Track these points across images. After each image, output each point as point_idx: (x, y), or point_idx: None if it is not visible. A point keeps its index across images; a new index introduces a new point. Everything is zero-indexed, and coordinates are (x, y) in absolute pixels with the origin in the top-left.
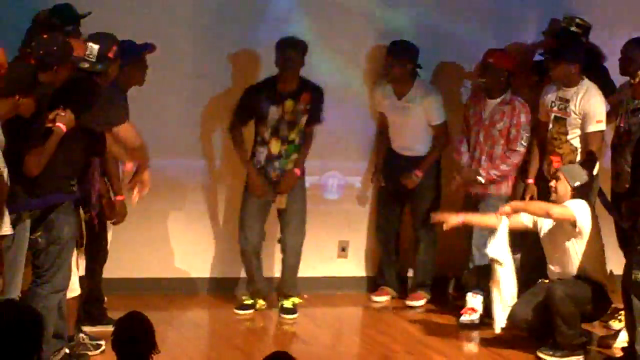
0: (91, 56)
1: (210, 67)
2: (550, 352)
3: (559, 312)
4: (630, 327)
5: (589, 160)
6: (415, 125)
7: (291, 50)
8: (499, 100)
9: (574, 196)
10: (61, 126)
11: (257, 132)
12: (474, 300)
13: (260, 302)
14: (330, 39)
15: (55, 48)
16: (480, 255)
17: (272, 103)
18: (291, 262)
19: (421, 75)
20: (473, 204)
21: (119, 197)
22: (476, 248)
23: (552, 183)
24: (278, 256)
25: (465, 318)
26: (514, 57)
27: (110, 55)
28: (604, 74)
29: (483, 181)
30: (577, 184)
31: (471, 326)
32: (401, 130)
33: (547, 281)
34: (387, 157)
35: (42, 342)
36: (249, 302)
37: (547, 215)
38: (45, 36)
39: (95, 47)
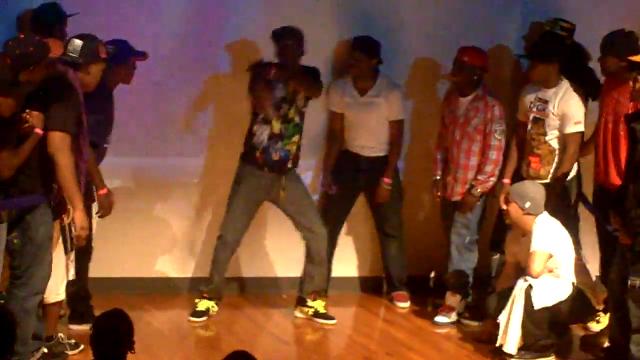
0: (73, 52)
1: (192, 65)
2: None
3: (526, 310)
4: (620, 329)
5: (564, 165)
6: (377, 122)
7: (289, 38)
8: (471, 97)
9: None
10: (39, 132)
11: (257, 111)
12: (452, 299)
13: (213, 308)
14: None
15: (31, 48)
16: (459, 256)
17: (279, 81)
18: (319, 248)
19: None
20: (452, 208)
21: (102, 191)
22: (456, 249)
23: (504, 206)
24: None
25: (440, 319)
26: (484, 53)
27: (102, 55)
28: (589, 74)
29: (479, 195)
30: (527, 204)
31: (447, 325)
32: (363, 128)
33: (524, 279)
34: (342, 160)
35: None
36: (203, 308)
37: (534, 277)
38: (21, 36)
39: (78, 42)
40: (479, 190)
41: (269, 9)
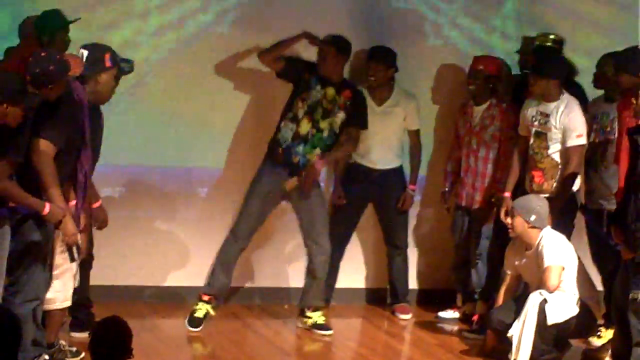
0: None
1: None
2: None
3: (538, 325)
4: (621, 343)
5: (567, 178)
6: (393, 133)
7: (329, 43)
8: (485, 105)
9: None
10: None
11: (290, 107)
12: (459, 298)
13: (211, 312)
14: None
15: (51, 67)
16: (484, 267)
17: (319, 83)
18: (322, 262)
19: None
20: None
21: (96, 204)
22: (482, 260)
23: (508, 220)
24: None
25: (443, 313)
26: (498, 61)
27: (107, 64)
28: (578, 89)
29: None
30: (532, 218)
31: (451, 323)
32: (378, 138)
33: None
34: (352, 171)
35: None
36: (201, 314)
37: (551, 291)
38: (43, 54)
39: (84, 52)
40: (506, 195)
41: (284, 17)
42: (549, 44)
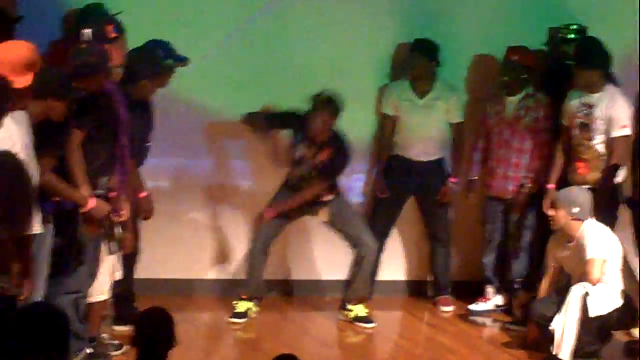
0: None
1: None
2: None
3: (581, 317)
4: None
5: (611, 170)
6: (436, 126)
7: (322, 108)
8: (520, 95)
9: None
10: None
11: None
12: (490, 291)
13: (253, 309)
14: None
15: (92, 58)
16: (525, 256)
17: (302, 142)
18: (368, 261)
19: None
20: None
21: (142, 194)
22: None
23: (551, 212)
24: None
25: (474, 306)
26: (532, 52)
27: (110, 35)
28: (613, 79)
29: (526, 190)
30: (575, 210)
31: (483, 315)
32: (420, 132)
33: (582, 286)
34: (393, 164)
35: (69, 342)
36: (242, 309)
37: (593, 284)
38: (83, 45)
39: (87, 31)
40: (527, 184)
41: (324, 10)
42: (571, 35)
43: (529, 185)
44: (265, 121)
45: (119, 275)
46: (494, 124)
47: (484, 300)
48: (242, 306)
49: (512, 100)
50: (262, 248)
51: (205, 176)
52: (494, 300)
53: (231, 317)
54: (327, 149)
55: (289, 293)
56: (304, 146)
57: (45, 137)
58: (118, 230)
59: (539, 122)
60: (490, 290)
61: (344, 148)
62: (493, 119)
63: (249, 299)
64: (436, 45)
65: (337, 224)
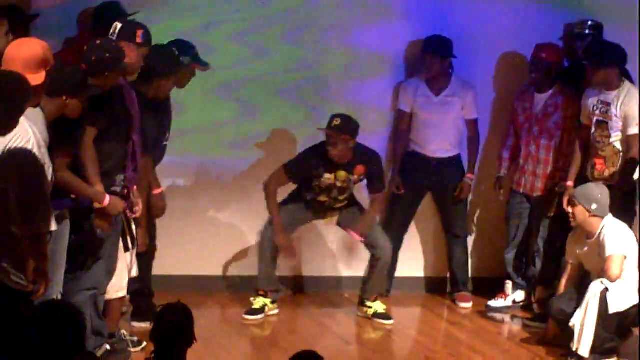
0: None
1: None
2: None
3: (600, 314)
4: None
5: (628, 166)
6: (452, 122)
7: (340, 130)
8: (550, 92)
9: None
10: None
11: (305, 189)
12: (507, 288)
13: (269, 306)
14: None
15: (107, 55)
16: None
17: (326, 170)
18: (384, 262)
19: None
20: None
21: (156, 191)
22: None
23: (570, 209)
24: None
25: (493, 302)
26: (562, 50)
27: (138, 40)
28: (627, 76)
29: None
30: (594, 206)
31: (502, 311)
32: (437, 129)
33: (601, 282)
34: (410, 160)
35: (85, 339)
36: (258, 305)
37: (612, 280)
38: (97, 42)
39: (118, 25)
40: (563, 185)
41: (339, 8)
42: (586, 31)
43: (563, 184)
44: (289, 176)
45: (134, 272)
46: (523, 121)
47: (503, 296)
48: (258, 302)
49: (541, 98)
50: (271, 243)
51: (223, 174)
52: (513, 296)
53: (246, 314)
54: (358, 165)
55: (304, 289)
56: (328, 173)
57: (61, 134)
58: (133, 228)
59: (568, 120)
60: (509, 286)
61: (372, 154)
62: (522, 116)
63: (265, 295)
64: (449, 42)
65: (349, 228)
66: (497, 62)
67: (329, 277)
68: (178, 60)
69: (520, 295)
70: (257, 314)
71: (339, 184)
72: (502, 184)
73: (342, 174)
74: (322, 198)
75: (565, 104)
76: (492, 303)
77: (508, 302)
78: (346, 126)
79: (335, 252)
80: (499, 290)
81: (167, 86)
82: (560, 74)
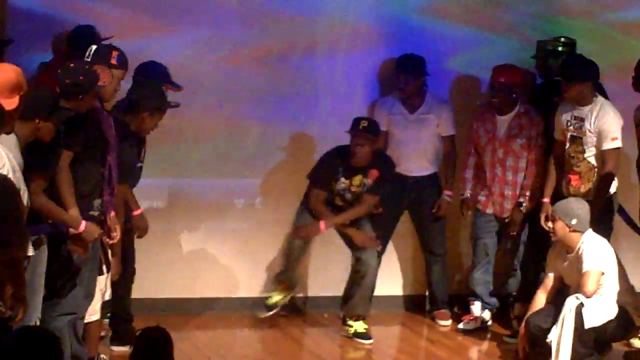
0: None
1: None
2: None
3: (576, 329)
4: None
5: (604, 181)
6: (428, 139)
7: (369, 131)
8: (512, 114)
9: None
10: None
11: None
12: (474, 308)
13: (278, 298)
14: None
15: (81, 77)
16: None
17: (343, 175)
18: (369, 281)
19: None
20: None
21: (136, 212)
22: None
23: (550, 224)
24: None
25: (464, 325)
26: (520, 70)
27: (112, 62)
28: (600, 90)
29: (524, 209)
30: (573, 222)
31: (472, 332)
32: (412, 146)
33: (576, 297)
34: None
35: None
36: (272, 301)
37: (588, 296)
38: (72, 65)
39: (93, 47)
40: (524, 204)
41: (313, 27)
42: (560, 48)
43: (526, 204)
44: (315, 186)
45: (107, 295)
46: (485, 143)
47: (472, 317)
48: (275, 297)
49: (504, 120)
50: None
51: (199, 195)
52: (481, 316)
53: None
54: (373, 169)
55: (283, 309)
56: (345, 177)
57: (36, 158)
58: (108, 252)
59: (533, 140)
60: (476, 306)
61: (387, 158)
62: (484, 138)
63: (281, 290)
64: (421, 60)
65: (345, 236)
66: (454, 84)
67: (309, 297)
68: (164, 98)
69: (487, 315)
70: (271, 309)
71: (353, 189)
72: (466, 205)
73: (357, 178)
74: (338, 202)
75: (529, 124)
76: (462, 326)
77: (477, 323)
78: (373, 127)
79: (314, 271)
80: (465, 312)
81: (150, 122)
82: (533, 92)
